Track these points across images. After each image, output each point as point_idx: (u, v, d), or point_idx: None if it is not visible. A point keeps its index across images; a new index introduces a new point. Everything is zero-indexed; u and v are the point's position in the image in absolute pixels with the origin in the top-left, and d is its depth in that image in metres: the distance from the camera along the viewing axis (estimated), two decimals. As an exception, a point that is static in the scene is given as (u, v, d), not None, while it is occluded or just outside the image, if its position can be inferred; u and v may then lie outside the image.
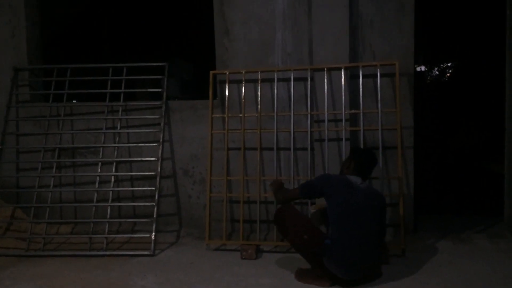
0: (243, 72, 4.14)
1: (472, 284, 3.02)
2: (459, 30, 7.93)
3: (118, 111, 4.50)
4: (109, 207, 4.22)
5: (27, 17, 4.66)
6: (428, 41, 7.89)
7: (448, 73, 10.05)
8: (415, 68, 4.25)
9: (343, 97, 3.90)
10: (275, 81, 4.10)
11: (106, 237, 4.03)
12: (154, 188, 4.16)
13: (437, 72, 10.24)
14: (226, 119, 4.16)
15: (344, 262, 2.93)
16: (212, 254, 3.85)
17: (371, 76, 4.00)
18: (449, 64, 10.00)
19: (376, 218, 3.08)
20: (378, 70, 3.89)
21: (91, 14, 7.16)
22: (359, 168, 3.22)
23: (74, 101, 4.74)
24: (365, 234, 2.98)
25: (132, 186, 4.49)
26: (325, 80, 3.95)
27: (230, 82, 4.25)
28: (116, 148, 4.41)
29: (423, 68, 9.98)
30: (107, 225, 4.13)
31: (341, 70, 3.92)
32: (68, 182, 4.60)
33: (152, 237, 3.89)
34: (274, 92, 4.12)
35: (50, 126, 4.55)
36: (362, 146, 3.91)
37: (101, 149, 4.42)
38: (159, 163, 4.22)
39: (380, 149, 3.85)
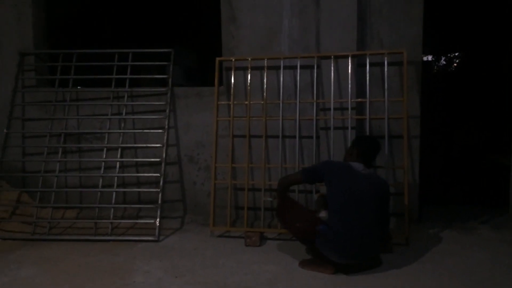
0: (249, 59, 4.12)
1: (475, 273, 3.02)
2: (467, 20, 7.84)
3: (123, 97, 4.49)
4: (114, 193, 4.24)
5: (32, 1, 4.63)
6: (435, 30, 7.81)
7: (455, 63, 9.97)
8: (422, 57, 4.21)
9: (349, 86, 3.88)
10: (281, 68, 4.08)
11: (111, 222, 4.06)
12: (159, 174, 4.17)
13: (444, 62, 10.16)
14: (232, 106, 4.15)
15: (339, 246, 2.96)
16: (216, 240, 3.87)
17: (378, 65, 3.97)
18: (456, 54, 9.91)
19: (377, 205, 3.07)
20: (386, 58, 3.86)
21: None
22: (362, 155, 3.23)
23: (79, 87, 4.74)
24: (363, 220, 2.98)
25: (137, 172, 4.51)
26: (332, 68, 3.92)
27: (236, 69, 4.23)
28: (122, 134, 4.42)
29: (430, 57, 9.90)
30: (112, 211, 4.15)
31: (348, 58, 3.89)
32: (74, 167, 4.62)
33: (157, 223, 3.91)
34: (280, 79, 4.10)
35: (56, 111, 4.56)
36: (368, 135, 3.89)
37: (106, 135, 4.43)
38: (164, 150, 4.23)
39: (386, 138, 3.84)
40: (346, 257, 2.99)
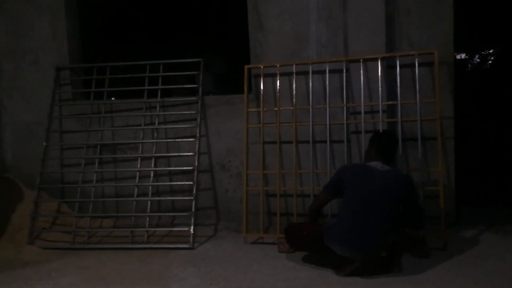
0: (278, 65, 4.14)
1: (517, 277, 2.93)
2: (501, 15, 7.61)
3: (155, 107, 4.59)
4: (149, 201, 4.33)
5: (67, 17, 4.80)
6: (468, 27, 7.61)
7: (490, 60, 9.66)
8: (454, 56, 4.12)
9: (379, 88, 3.84)
10: (310, 73, 4.07)
11: (147, 231, 4.14)
12: (192, 183, 4.23)
13: (478, 60, 9.86)
14: (262, 113, 4.18)
15: (341, 235, 3.00)
16: (249, 247, 3.89)
17: (409, 66, 3.92)
18: (490, 51, 9.61)
19: (393, 201, 3.03)
20: (416, 59, 3.80)
21: (126, 12, 7.31)
22: (380, 152, 3.21)
23: (112, 98, 4.87)
24: (372, 214, 2.97)
25: (171, 181, 4.58)
26: (361, 71, 3.89)
27: (265, 75, 4.25)
28: (155, 143, 4.51)
29: (463, 55, 9.64)
30: (147, 219, 4.24)
31: (378, 60, 3.85)
32: (110, 177, 4.74)
33: (191, 230, 3.97)
34: (309, 85, 4.10)
35: (92, 123, 4.70)
36: (399, 137, 3.83)
37: (140, 145, 4.53)
38: (196, 158, 4.28)
39: (420, 140, 3.78)
40: (348, 248, 2.99)
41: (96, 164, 4.57)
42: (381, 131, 3.72)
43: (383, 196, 3.01)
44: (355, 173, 3.14)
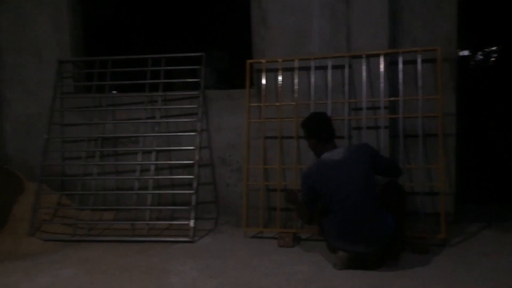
0: (280, 60, 4.13)
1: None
2: (505, 13, 7.58)
3: (157, 101, 4.60)
4: (149, 195, 4.35)
5: (69, 10, 4.80)
6: (471, 24, 7.59)
7: (493, 57, 9.64)
8: (457, 53, 4.12)
9: (382, 84, 3.84)
10: (312, 69, 4.07)
11: (147, 224, 4.16)
12: (192, 176, 4.24)
13: (481, 57, 9.84)
14: (263, 108, 4.18)
15: (340, 235, 3.06)
16: (249, 241, 3.90)
17: (411, 63, 3.91)
18: (493, 48, 9.58)
19: (368, 170, 3.06)
20: (419, 56, 3.79)
21: (129, 5, 7.31)
22: (318, 135, 3.24)
23: (114, 91, 4.87)
24: (361, 202, 2.97)
25: (172, 175, 4.59)
26: (364, 67, 3.89)
27: (267, 71, 4.25)
28: (156, 137, 4.52)
29: (466, 52, 9.62)
30: (148, 212, 4.26)
31: (380, 57, 3.84)
32: (111, 170, 4.75)
33: (191, 224, 3.98)
34: (311, 80, 4.09)
35: (93, 116, 4.70)
36: (400, 134, 3.83)
37: (141, 139, 4.54)
38: (197, 152, 4.29)
39: (421, 136, 3.78)
40: (350, 242, 3.03)
41: (97, 157, 4.57)
42: (300, 121, 3.56)
43: (356, 176, 3.01)
44: (319, 175, 3.12)
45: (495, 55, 9.64)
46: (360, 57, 3.93)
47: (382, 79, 3.83)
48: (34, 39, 4.87)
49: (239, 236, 4.01)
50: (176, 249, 3.74)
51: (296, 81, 4.10)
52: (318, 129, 3.28)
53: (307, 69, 4.15)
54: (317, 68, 4.12)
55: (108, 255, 3.64)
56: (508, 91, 8.02)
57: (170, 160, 4.59)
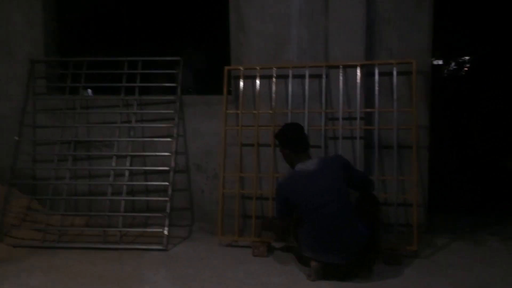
0: (258, 68, 4.13)
1: (484, 286, 3.00)
2: (478, 23, 7.78)
3: (132, 105, 4.53)
4: (123, 201, 4.27)
5: (44, 9, 4.68)
6: (445, 34, 7.75)
7: (466, 67, 9.87)
8: (432, 63, 4.19)
9: (358, 95, 3.87)
10: (290, 77, 4.08)
11: (120, 231, 4.08)
12: (167, 183, 4.19)
13: (454, 66, 10.07)
14: (240, 115, 4.16)
15: (316, 246, 3.07)
16: (224, 250, 3.88)
17: (387, 74, 3.95)
18: (466, 58, 9.82)
19: (342, 181, 3.10)
20: (395, 68, 3.84)
21: (105, 5, 7.18)
22: (292, 145, 3.26)
23: (89, 90, 4.76)
24: (336, 210, 3.00)
25: (146, 180, 4.53)
26: (340, 78, 3.92)
27: (245, 78, 4.23)
28: (131, 142, 4.45)
29: (440, 62, 9.83)
30: (121, 219, 4.18)
31: (357, 68, 3.88)
32: (83, 175, 4.65)
33: (165, 232, 3.93)
34: (288, 88, 4.10)
35: (66, 118, 4.59)
36: (375, 145, 3.87)
37: (115, 143, 4.46)
38: (172, 158, 4.24)
39: (395, 148, 3.82)
40: (324, 253, 3.05)
41: (70, 161, 4.47)
42: (275, 132, 3.61)
43: (330, 186, 3.05)
44: (294, 186, 3.14)
45: (468, 65, 9.88)
46: (337, 67, 3.95)
47: (358, 90, 3.87)
48: (5, 36, 4.72)
49: (213, 244, 3.98)
50: (149, 257, 3.69)
51: (273, 89, 4.10)
52: (292, 140, 3.29)
53: (285, 77, 4.15)
54: (294, 76, 4.13)
55: (79, 263, 3.56)
56: (481, 99, 8.21)
57: (145, 166, 4.53)
